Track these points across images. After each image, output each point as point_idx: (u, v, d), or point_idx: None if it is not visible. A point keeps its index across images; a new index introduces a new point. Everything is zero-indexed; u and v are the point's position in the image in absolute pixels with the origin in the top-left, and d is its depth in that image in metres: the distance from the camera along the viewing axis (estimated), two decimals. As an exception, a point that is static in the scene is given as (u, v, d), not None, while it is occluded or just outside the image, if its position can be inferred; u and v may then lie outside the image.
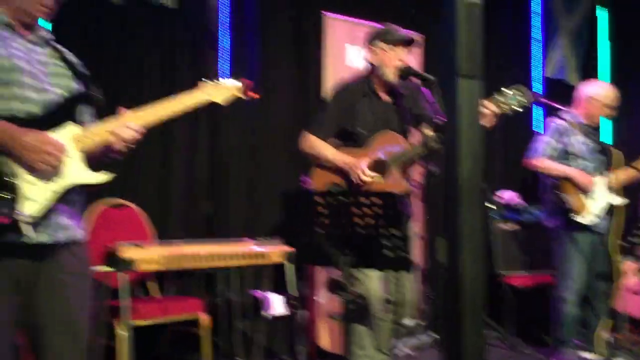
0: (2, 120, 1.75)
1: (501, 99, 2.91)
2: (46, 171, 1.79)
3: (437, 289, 3.56)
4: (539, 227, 4.24)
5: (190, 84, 4.41)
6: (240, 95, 2.19)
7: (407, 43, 3.09)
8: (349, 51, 4.92)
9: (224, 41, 4.57)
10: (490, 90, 2.82)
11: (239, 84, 2.18)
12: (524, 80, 5.73)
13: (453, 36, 1.63)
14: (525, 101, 2.90)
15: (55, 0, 1.95)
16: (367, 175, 2.95)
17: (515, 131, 5.65)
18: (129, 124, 1.94)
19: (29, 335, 1.91)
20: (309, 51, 4.90)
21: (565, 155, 4.04)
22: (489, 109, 2.84)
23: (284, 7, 4.82)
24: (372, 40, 3.12)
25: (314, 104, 4.84)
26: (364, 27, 4.95)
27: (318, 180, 3.09)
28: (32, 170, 1.77)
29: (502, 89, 2.92)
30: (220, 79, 2.19)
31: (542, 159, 4.06)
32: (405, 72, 3.01)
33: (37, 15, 1.93)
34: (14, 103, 1.80)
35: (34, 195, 1.77)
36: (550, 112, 4.56)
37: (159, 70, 4.29)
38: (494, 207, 4.92)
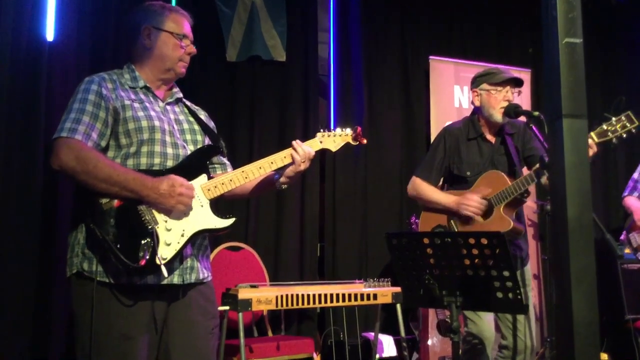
0: (141, 174, 1.91)
1: (606, 127, 2.79)
2: (181, 211, 1.93)
3: (555, 332, 3.39)
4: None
5: (302, 133, 4.62)
6: (351, 141, 2.26)
7: (513, 82, 3.05)
8: (456, 92, 4.92)
9: (333, 88, 4.74)
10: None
11: (349, 131, 2.25)
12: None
13: (554, 76, 1.62)
14: (631, 128, 2.76)
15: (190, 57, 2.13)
16: (477, 202, 2.90)
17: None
18: (299, 144, 2.10)
19: None
20: (415, 94, 4.96)
21: None
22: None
23: (391, 52, 4.93)
24: (476, 83, 3.11)
25: (421, 146, 4.88)
26: (470, 67, 4.96)
27: (425, 224, 3.10)
28: (169, 213, 1.92)
29: (607, 115, 2.80)
30: (332, 128, 2.27)
31: (628, 197, 3.89)
32: (512, 110, 2.97)
33: (180, 71, 2.11)
34: (155, 159, 1.98)
35: (169, 240, 1.91)
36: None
37: (271, 119, 4.51)
38: (620, 249, 4.62)
